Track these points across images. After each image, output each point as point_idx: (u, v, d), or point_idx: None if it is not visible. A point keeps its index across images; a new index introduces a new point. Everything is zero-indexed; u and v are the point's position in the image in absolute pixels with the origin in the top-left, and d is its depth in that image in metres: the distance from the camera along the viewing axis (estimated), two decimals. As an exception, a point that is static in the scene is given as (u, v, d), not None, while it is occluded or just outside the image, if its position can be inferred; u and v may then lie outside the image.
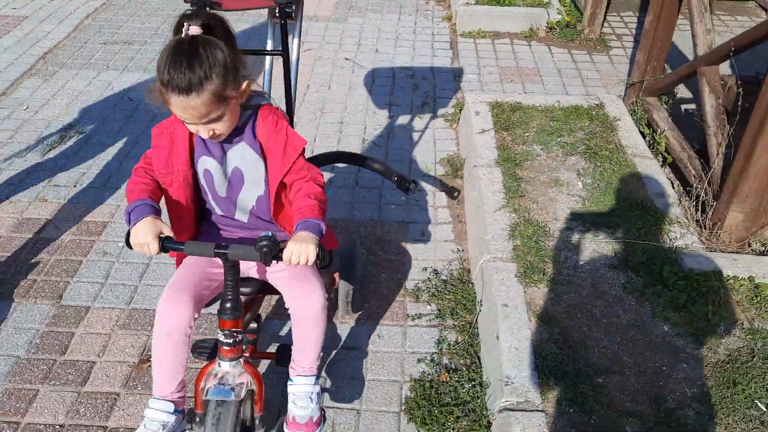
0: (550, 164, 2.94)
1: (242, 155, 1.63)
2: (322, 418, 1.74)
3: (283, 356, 1.83)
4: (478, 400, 2.02)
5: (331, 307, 2.16)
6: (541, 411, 1.84)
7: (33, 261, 2.50)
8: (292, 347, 1.74)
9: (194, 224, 1.70)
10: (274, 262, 1.45)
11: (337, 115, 3.60)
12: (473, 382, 2.09)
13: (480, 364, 2.16)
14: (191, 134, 1.60)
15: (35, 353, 2.14)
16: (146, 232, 1.46)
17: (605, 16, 4.53)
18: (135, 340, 2.21)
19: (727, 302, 2.22)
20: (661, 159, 3.07)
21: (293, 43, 2.19)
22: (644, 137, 3.18)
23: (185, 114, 1.45)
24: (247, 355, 1.76)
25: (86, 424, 1.94)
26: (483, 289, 2.34)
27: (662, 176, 2.85)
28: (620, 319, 2.18)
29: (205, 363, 1.65)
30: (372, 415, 2.02)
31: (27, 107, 3.51)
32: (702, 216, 2.61)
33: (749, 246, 2.50)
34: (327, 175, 3.08)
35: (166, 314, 1.59)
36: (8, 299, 2.33)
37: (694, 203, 2.68)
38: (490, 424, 1.93)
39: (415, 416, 1.99)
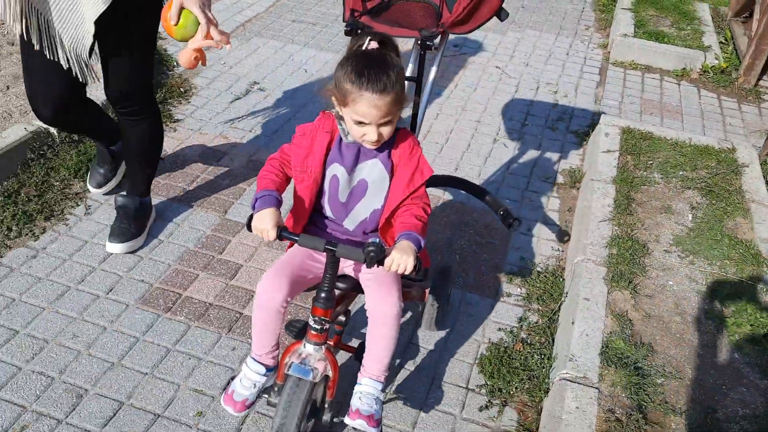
0: (666, 193, 3.11)
1: (372, 169, 1.79)
2: (380, 424, 1.84)
3: (362, 352, 1.92)
4: (543, 370, 2.31)
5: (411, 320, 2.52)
6: (596, 388, 2.10)
7: (210, 180, 3.12)
8: (365, 350, 1.86)
9: (308, 219, 1.88)
10: (375, 266, 1.61)
11: (475, 114, 3.96)
12: (543, 356, 2.37)
13: (553, 344, 2.44)
14: (329, 142, 1.78)
15: (200, 248, 2.73)
16: (267, 221, 1.64)
17: (764, 68, 4.51)
18: (274, 256, 2.73)
19: None
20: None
21: (431, 71, 2.35)
22: (770, 188, 3.24)
23: (372, 111, 1.61)
24: (331, 343, 1.93)
25: (228, 308, 2.47)
26: (571, 283, 2.61)
27: (775, 223, 2.94)
28: (693, 337, 2.36)
29: (293, 341, 1.85)
30: (450, 360, 2.37)
31: (224, 63, 4.21)
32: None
33: None
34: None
35: (264, 292, 1.78)
36: (188, 205, 2.95)
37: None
38: (548, 390, 2.22)
39: (486, 370, 2.32)
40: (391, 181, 1.79)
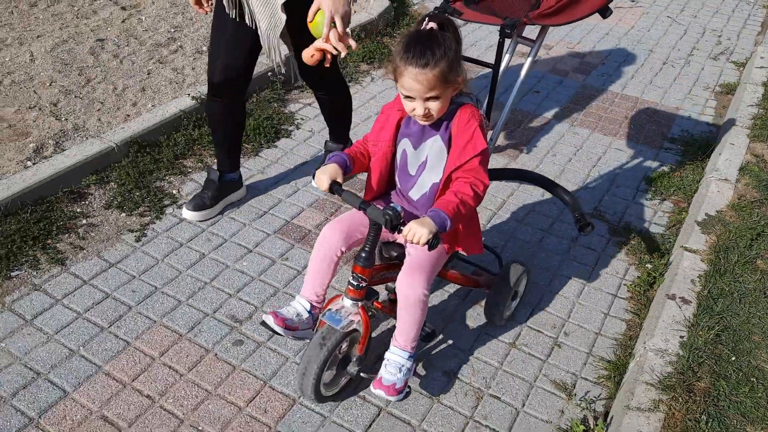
0: (808, 96, 3.90)
1: (432, 145, 1.87)
2: (405, 389, 1.97)
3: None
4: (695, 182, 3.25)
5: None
6: (733, 183, 3.02)
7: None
8: (396, 325, 1.95)
9: (381, 189, 2.00)
10: (397, 234, 1.73)
11: (648, 45, 4.89)
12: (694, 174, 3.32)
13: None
14: (400, 119, 1.90)
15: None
16: (325, 172, 1.81)
17: None
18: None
19: None
20: None
21: (527, 63, 2.42)
22: None
23: (415, 84, 1.69)
24: (380, 307, 2.12)
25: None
26: (720, 137, 3.52)
27: None
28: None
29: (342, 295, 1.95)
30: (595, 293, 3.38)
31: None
32: None
33: None
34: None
35: (323, 237, 1.96)
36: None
37: None
38: (697, 189, 3.16)
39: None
40: (448, 153, 1.86)
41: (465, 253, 2.07)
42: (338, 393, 2.05)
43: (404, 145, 1.92)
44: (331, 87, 2.87)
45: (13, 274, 2.43)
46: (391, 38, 4.71)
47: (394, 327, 1.98)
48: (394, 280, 1.96)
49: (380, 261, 2.07)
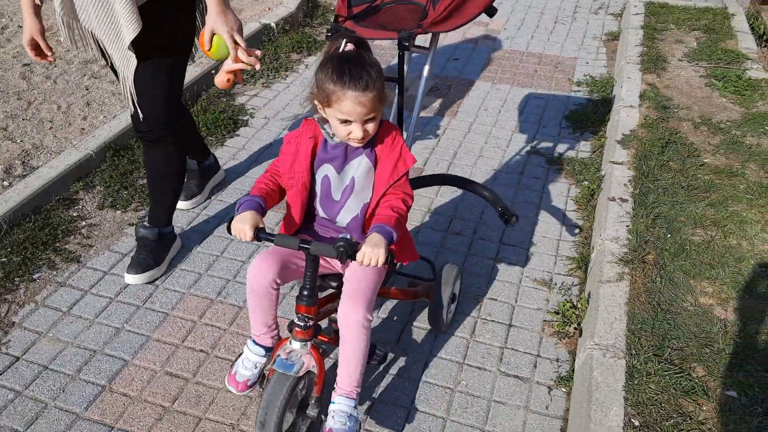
0: (678, 33, 4.62)
1: (359, 166, 1.81)
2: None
3: None
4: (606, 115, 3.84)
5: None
6: (638, 109, 3.62)
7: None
8: (339, 361, 1.85)
9: (302, 222, 1.90)
10: (349, 261, 1.66)
11: (538, 9, 5.51)
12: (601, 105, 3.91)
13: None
14: (314, 146, 1.82)
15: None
16: (245, 221, 1.68)
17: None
18: (428, 80, 4.30)
19: (763, 91, 3.81)
20: (755, 36, 4.60)
21: (425, 71, 2.38)
22: (751, 28, 4.72)
23: (357, 108, 1.64)
24: (327, 340, 2.01)
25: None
26: (618, 73, 4.13)
27: (750, 40, 4.42)
28: (697, 92, 3.86)
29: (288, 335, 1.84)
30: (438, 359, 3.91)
31: None
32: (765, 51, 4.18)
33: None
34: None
35: (253, 276, 1.84)
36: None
37: (763, 48, 4.25)
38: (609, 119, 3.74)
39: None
40: (376, 173, 1.82)
41: (404, 263, 2.11)
42: None
43: (325, 170, 1.84)
44: (166, 128, 2.43)
45: (35, 276, 2.58)
46: (312, 28, 5.04)
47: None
48: (335, 311, 1.93)
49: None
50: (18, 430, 2.02)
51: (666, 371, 2.05)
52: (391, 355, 2.31)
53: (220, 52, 2.11)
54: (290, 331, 1.83)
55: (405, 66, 2.40)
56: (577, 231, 2.92)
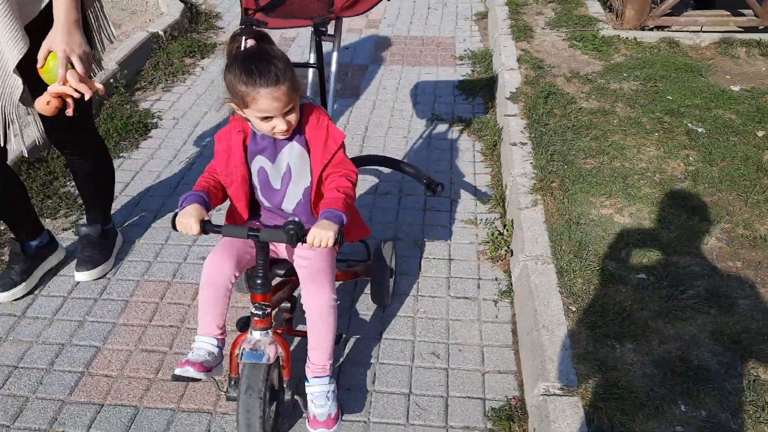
0: (537, 6, 5.19)
1: (291, 152, 1.82)
2: (340, 412, 1.93)
3: None
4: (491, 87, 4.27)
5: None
6: (519, 71, 4.07)
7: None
8: (308, 343, 1.89)
9: (246, 214, 1.90)
10: (300, 244, 1.65)
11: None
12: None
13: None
14: (244, 139, 1.81)
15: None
16: (189, 216, 1.65)
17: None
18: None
19: (617, 46, 4.42)
20: (600, 2, 5.26)
21: (334, 57, 2.35)
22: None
23: (273, 103, 1.63)
24: (279, 331, 1.91)
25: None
26: (494, 44, 4.59)
27: (597, 6, 5.07)
28: (564, 52, 4.39)
29: (240, 333, 1.86)
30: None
31: None
32: (615, 15, 4.83)
33: (642, 29, 4.67)
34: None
35: (212, 268, 1.82)
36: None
37: (613, 13, 4.90)
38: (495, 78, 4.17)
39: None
40: (310, 156, 1.82)
41: (353, 241, 2.13)
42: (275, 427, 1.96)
43: (259, 162, 1.84)
44: (85, 148, 2.42)
45: None
46: (199, 33, 5.11)
47: (301, 343, 2.01)
48: (286, 299, 2.04)
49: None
50: (5, 425, 2.02)
51: (587, 268, 2.42)
52: (344, 335, 2.34)
53: (51, 74, 1.85)
54: (244, 327, 1.89)
55: (313, 53, 2.38)
56: (488, 178, 3.28)
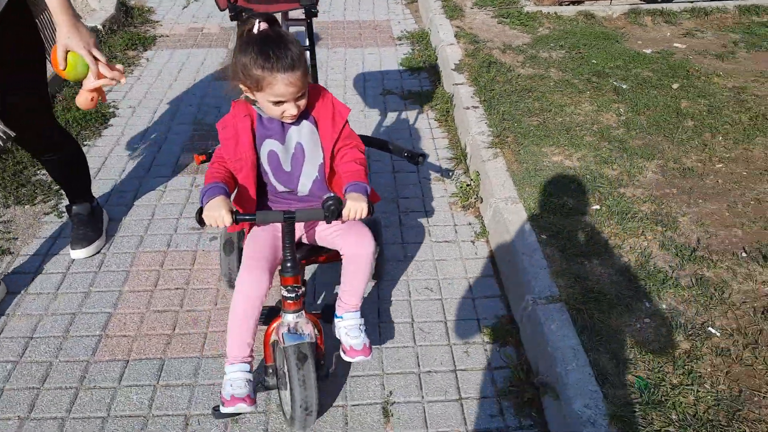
0: (463, -11, 5.54)
1: (300, 130, 1.83)
2: (370, 341, 2.00)
3: (328, 314, 2.06)
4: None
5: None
6: (459, 46, 4.38)
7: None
8: (340, 289, 1.97)
9: (256, 204, 1.89)
10: (333, 220, 1.66)
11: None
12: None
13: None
14: (251, 124, 1.80)
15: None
16: (219, 208, 1.62)
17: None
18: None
19: (540, 21, 4.82)
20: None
21: (307, 41, 2.40)
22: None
23: (289, 88, 1.65)
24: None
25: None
26: (429, 23, 4.89)
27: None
28: (495, 28, 4.74)
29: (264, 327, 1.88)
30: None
31: None
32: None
33: (560, 5, 5.10)
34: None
35: (249, 284, 1.78)
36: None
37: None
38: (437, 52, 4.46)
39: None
40: (319, 132, 1.84)
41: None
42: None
43: (269, 145, 1.84)
44: (54, 142, 2.45)
45: None
46: (136, 27, 5.12)
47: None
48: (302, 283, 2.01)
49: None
50: (35, 387, 2.09)
51: (549, 204, 2.74)
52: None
53: (77, 71, 1.93)
54: (267, 320, 1.90)
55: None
56: (446, 141, 3.56)
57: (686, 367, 1.99)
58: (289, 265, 1.78)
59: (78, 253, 2.64)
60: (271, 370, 1.93)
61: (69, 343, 2.26)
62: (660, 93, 3.69)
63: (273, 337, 1.89)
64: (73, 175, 2.63)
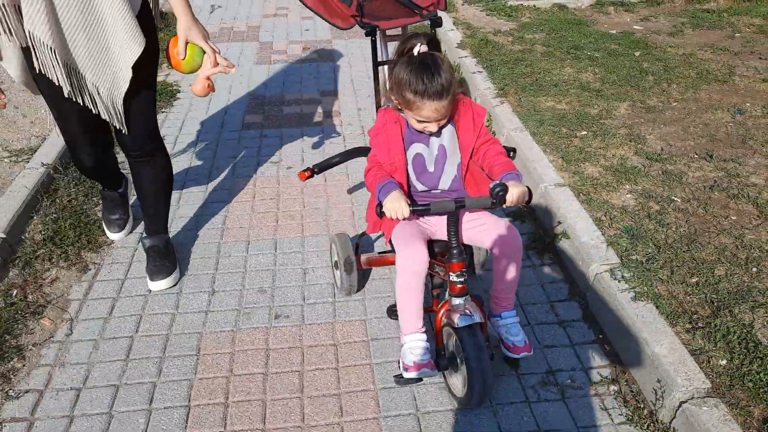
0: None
1: (443, 133, 1.95)
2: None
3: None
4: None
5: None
6: (459, 26, 5.24)
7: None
8: (493, 288, 2.03)
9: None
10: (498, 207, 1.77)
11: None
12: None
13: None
14: (400, 130, 1.93)
15: (262, 49, 5.38)
16: (398, 199, 1.77)
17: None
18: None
19: (522, 12, 5.71)
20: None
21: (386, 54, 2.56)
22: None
23: (434, 114, 1.79)
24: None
25: (294, 59, 5.20)
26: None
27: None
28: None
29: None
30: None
31: None
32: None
33: None
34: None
35: (411, 258, 1.88)
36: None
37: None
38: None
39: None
40: (458, 133, 1.93)
41: None
42: None
43: (416, 149, 1.96)
44: (154, 137, 2.47)
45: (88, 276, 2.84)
46: (170, 30, 5.86)
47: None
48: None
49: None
50: (153, 382, 2.23)
51: (547, 132, 3.57)
52: None
53: (194, 61, 2.11)
54: (444, 299, 1.97)
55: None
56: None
57: (657, 219, 2.81)
58: (455, 251, 1.88)
59: (158, 285, 2.61)
60: (442, 352, 2.03)
61: (167, 364, 2.62)
62: (626, 59, 4.59)
63: (443, 321, 1.97)
64: (159, 191, 2.62)
